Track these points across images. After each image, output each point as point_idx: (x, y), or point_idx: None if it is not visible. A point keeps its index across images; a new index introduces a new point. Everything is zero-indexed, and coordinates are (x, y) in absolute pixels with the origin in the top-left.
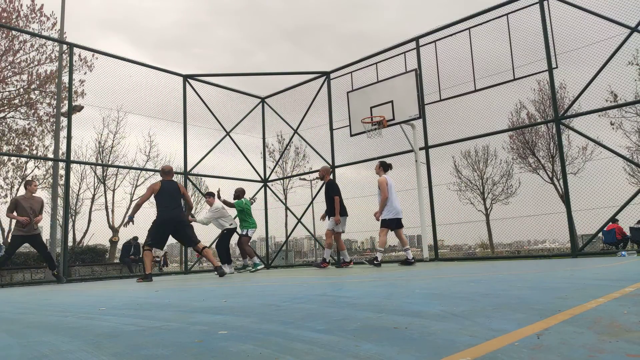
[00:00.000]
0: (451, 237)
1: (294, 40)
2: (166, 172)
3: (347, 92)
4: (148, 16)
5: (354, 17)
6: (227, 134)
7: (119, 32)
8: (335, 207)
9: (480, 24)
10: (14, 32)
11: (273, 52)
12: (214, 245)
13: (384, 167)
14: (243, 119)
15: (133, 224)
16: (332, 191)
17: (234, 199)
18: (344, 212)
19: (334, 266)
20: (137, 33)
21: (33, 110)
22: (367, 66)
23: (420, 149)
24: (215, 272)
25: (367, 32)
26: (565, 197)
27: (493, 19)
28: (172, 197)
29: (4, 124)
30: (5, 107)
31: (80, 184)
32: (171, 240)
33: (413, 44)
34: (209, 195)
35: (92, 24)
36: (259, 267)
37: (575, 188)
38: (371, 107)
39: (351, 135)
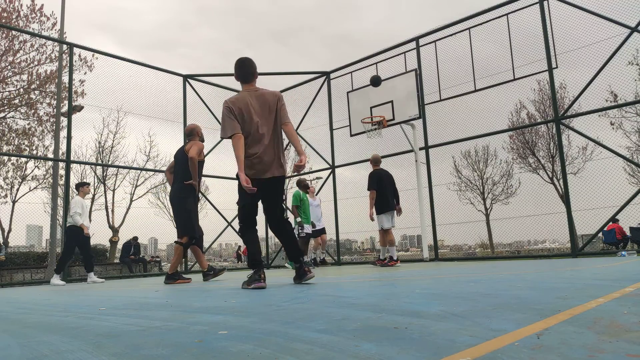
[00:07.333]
0: (451, 237)
1: (281, 40)
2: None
3: (347, 92)
4: (134, 17)
5: (340, 17)
6: None
7: (106, 32)
8: (369, 202)
9: (480, 24)
10: (14, 32)
11: (261, 52)
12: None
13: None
14: None
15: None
16: (368, 184)
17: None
18: (384, 207)
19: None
20: (123, 33)
21: (33, 110)
22: (367, 66)
23: (420, 149)
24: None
25: (354, 32)
26: (565, 197)
27: (493, 19)
28: (177, 166)
29: (4, 124)
30: (5, 107)
31: None
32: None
33: (413, 44)
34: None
35: (80, 24)
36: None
37: (575, 188)
38: (371, 107)
39: (351, 135)
